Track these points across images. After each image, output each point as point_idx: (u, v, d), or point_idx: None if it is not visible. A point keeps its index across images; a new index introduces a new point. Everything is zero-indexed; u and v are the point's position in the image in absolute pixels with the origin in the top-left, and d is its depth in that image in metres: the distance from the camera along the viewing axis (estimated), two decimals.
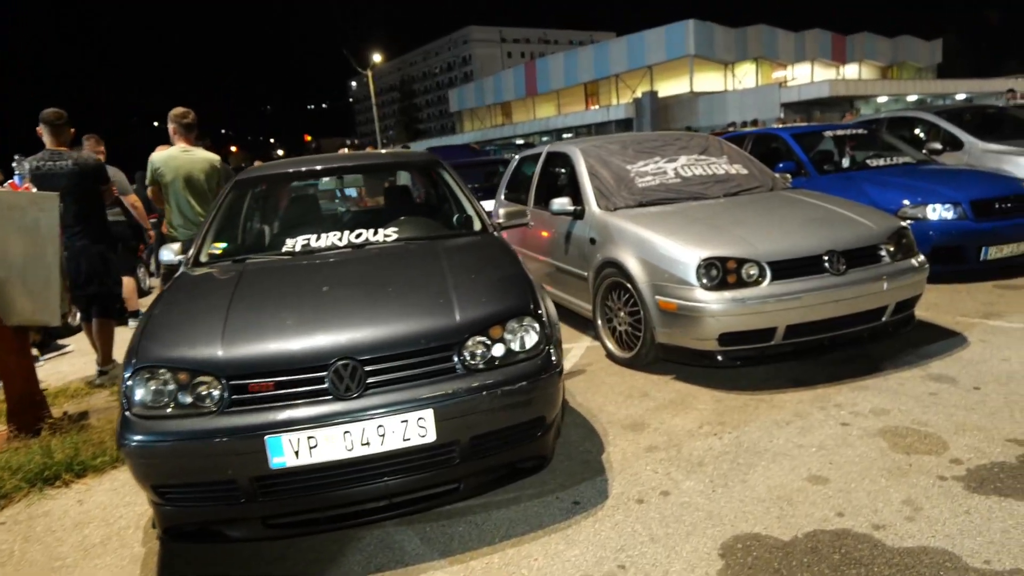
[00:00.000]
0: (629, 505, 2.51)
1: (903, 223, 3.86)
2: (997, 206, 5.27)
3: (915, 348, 3.87)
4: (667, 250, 3.63)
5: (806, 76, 48.17)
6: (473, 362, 2.43)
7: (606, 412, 3.40)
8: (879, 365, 3.66)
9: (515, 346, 2.50)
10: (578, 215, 4.55)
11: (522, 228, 5.59)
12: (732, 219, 3.86)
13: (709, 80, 46.50)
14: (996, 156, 7.26)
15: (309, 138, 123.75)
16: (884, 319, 3.66)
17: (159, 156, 4.70)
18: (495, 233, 3.54)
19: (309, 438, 2.19)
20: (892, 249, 3.68)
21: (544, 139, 52.49)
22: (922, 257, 3.80)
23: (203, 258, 3.35)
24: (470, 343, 2.43)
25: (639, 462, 2.83)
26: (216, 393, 2.25)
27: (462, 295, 2.60)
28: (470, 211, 3.73)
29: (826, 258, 3.49)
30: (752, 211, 4.04)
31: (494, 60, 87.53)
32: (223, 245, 3.46)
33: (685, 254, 3.53)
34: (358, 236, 3.38)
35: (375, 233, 3.41)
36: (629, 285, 3.85)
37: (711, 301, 3.38)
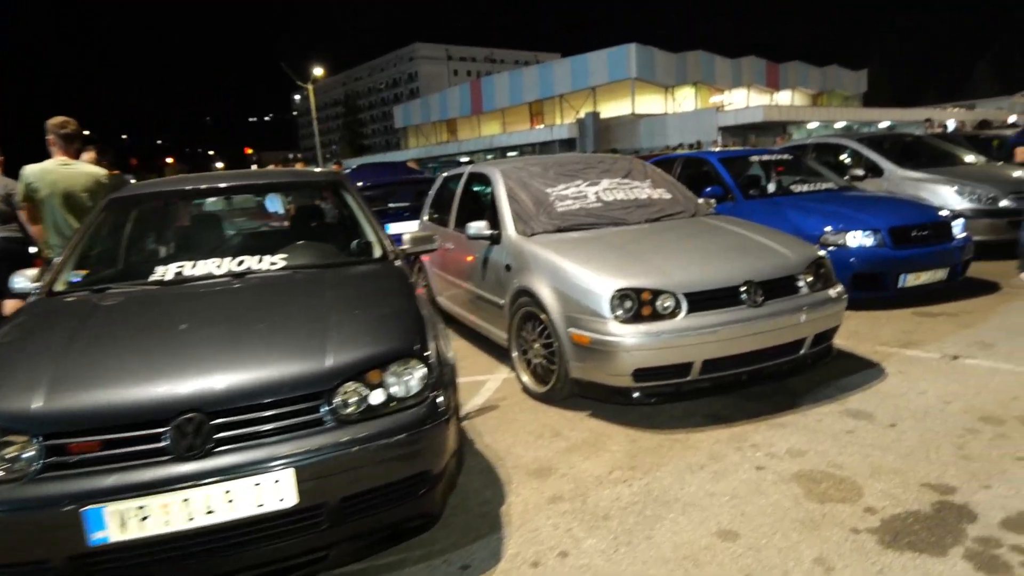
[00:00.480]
0: (523, 570, 2.25)
1: (821, 253, 3.77)
2: (914, 233, 5.31)
3: (835, 380, 3.78)
4: (580, 280, 3.43)
5: (742, 101, 49.86)
6: (346, 412, 2.14)
7: (513, 455, 3.15)
8: (798, 400, 3.54)
9: (397, 391, 2.23)
10: (495, 240, 4.32)
11: (443, 251, 5.34)
12: (650, 247, 3.70)
13: (650, 103, 47.59)
14: (914, 183, 7.43)
15: (250, 151, 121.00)
16: (803, 351, 3.54)
17: (33, 170, 4.24)
18: (396, 261, 3.26)
19: (139, 508, 1.86)
20: (810, 279, 3.58)
21: (489, 157, 52.65)
22: (840, 287, 3.72)
23: (59, 286, 2.96)
24: (343, 390, 2.15)
25: (541, 515, 2.58)
26: (28, 455, 1.89)
27: (339, 334, 2.32)
28: (371, 236, 3.45)
29: (743, 289, 3.35)
30: (671, 238, 3.89)
31: (440, 77, 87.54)
32: (84, 272, 3.07)
33: (598, 284, 3.33)
34: (240, 264, 3.05)
35: (260, 260, 3.09)
36: (543, 316, 3.63)
37: (625, 335, 3.19)
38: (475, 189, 5.21)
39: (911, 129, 19.77)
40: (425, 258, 5.92)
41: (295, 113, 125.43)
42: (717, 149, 11.23)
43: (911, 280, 5.23)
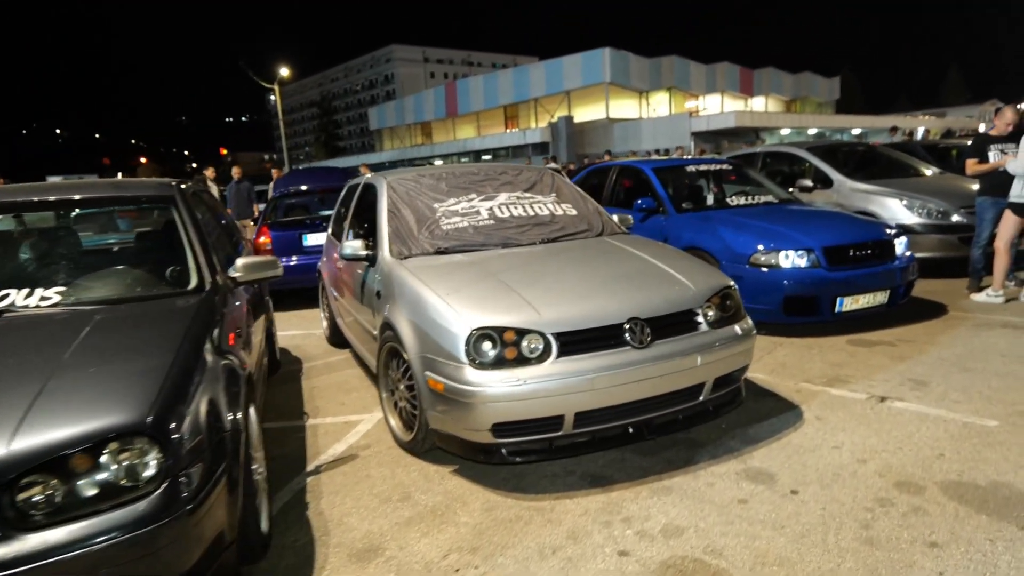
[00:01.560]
0: None
1: (728, 283, 3.28)
2: (852, 253, 4.87)
3: (744, 428, 3.29)
4: (438, 315, 2.90)
5: (717, 107, 49.80)
6: (31, 514, 1.60)
7: (344, 526, 2.62)
8: (696, 454, 3.05)
9: (118, 477, 1.70)
10: (371, 261, 3.79)
11: (336, 270, 4.81)
12: (530, 275, 3.18)
13: (625, 107, 47.34)
14: (864, 196, 7.04)
15: (225, 151, 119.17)
16: (702, 398, 3.05)
17: None
18: (212, 295, 2.72)
19: None
20: (711, 314, 3.09)
21: (464, 160, 52.01)
22: (749, 323, 3.23)
23: None
24: (30, 483, 1.61)
25: None
26: None
27: (46, 405, 1.77)
28: (190, 262, 2.90)
29: (628, 327, 2.85)
30: (559, 265, 3.38)
31: (417, 80, 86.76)
32: None
33: (455, 321, 2.81)
34: (2, 299, 2.49)
35: (29, 294, 2.52)
36: (405, 354, 3.10)
37: (482, 383, 2.66)
38: (367, 202, 4.67)
39: (879, 136, 19.57)
40: (326, 275, 5.37)
41: (268, 113, 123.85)
42: (655, 158, 10.81)
43: (848, 304, 4.79)
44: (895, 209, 6.67)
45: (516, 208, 4.06)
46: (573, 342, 2.78)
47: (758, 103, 53.81)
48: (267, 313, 4.57)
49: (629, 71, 45.96)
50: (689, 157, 17.56)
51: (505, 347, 2.73)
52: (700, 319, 3.06)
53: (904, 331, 4.84)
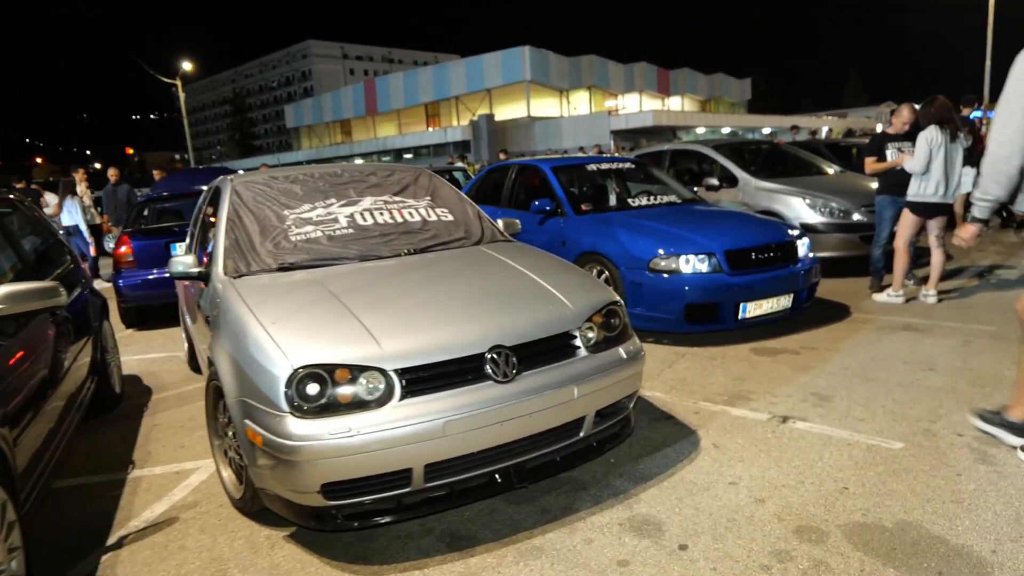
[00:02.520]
0: None
1: (613, 299, 2.87)
2: (755, 256, 4.61)
3: (635, 462, 2.91)
4: (258, 349, 2.36)
5: (636, 106, 50.65)
6: None
7: None
8: (577, 499, 2.63)
9: None
10: (205, 279, 3.19)
11: (185, 284, 4.17)
12: (379, 296, 2.68)
13: (546, 106, 47.43)
14: (768, 194, 6.90)
15: (131, 151, 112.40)
16: (583, 434, 2.64)
17: None
18: None
19: None
20: (592, 336, 2.68)
21: (385, 159, 50.79)
22: (637, 343, 2.84)
23: None
24: None
25: None
26: None
27: None
28: None
29: (490, 357, 2.40)
30: (419, 280, 2.89)
31: (336, 76, 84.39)
32: None
33: (276, 358, 2.27)
34: None
35: None
36: (225, 397, 2.54)
37: (306, 437, 2.15)
38: (214, 209, 4.04)
39: (785, 136, 20.06)
40: (180, 292, 4.69)
41: (179, 111, 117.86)
42: (556, 156, 10.53)
43: (752, 310, 4.52)
44: (798, 208, 6.55)
45: (382, 214, 3.54)
46: (421, 379, 2.30)
47: (675, 103, 55.12)
48: (96, 340, 3.88)
49: (549, 70, 46.05)
50: (608, 156, 17.46)
51: (337, 388, 2.22)
52: (578, 343, 2.64)
53: (808, 337, 4.62)
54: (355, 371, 2.24)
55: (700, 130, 43.09)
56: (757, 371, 3.98)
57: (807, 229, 6.45)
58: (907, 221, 5.43)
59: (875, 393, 3.49)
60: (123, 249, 6.35)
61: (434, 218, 3.63)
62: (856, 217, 6.38)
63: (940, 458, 2.75)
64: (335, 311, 2.52)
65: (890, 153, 5.69)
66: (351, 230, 3.38)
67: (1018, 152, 2.70)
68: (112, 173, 10.61)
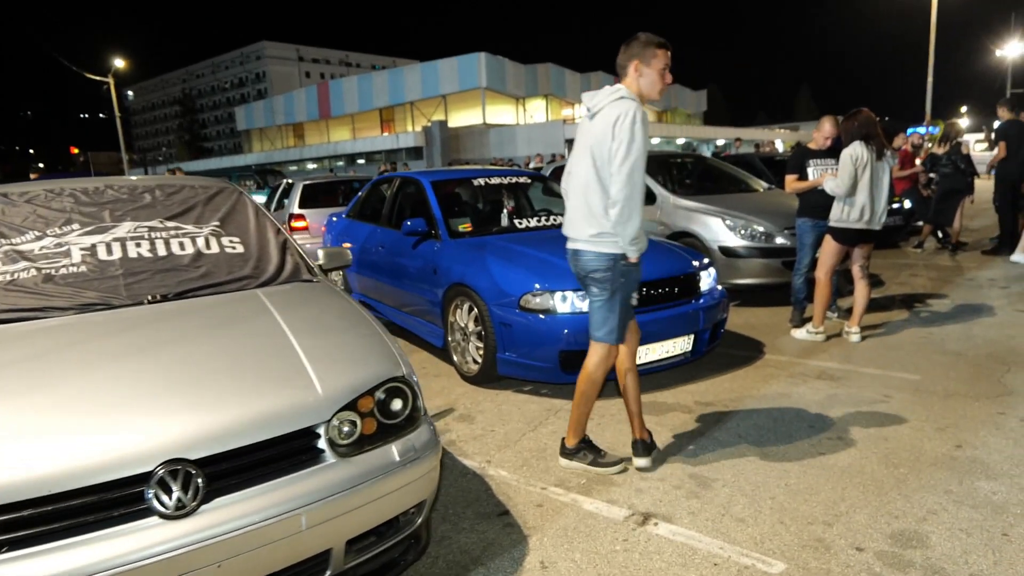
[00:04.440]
0: None
1: (394, 374, 2.08)
2: (646, 291, 3.90)
3: None
4: None
5: None
6: None
7: None
8: None
9: None
10: None
11: None
12: (31, 379, 1.85)
13: (502, 113, 46.84)
14: (686, 213, 6.26)
15: (76, 150, 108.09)
16: (330, 573, 1.86)
17: None
18: None
19: None
20: (349, 431, 1.89)
21: (338, 163, 49.46)
22: (423, 435, 2.06)
23: None
24: None
25: None
26: None
27: None
28: None
29: (161, 475, 1.59)
30: (122, 347, 2.06)
31: (291, 79, 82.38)
32: None
33: None
34: None
35: None
36: None
37: None
38: None
39: (730, 148, 19.78)
40: None
41: (127, 111, 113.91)
42: (446, 168, 9.79)
43: (642, 356, 3.80)
44: (717, 229, 5.92)
45: (139, 245, 2.71)
46: (34, 521, 1.49)
47: None
48: None
49: (505, 77, 45.49)
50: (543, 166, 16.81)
51: None
52: (323, 444, 1.85)
53: (707, 388, 3.93)
54: None
55: (655, 140, 42.95)
56: (625, 433, 3.25)
57: (726, 252, 5.85)
58: (829, 249, 4.81)
59: (767, 477, 2.79)
60: None
61: (214, 250, 2.81)
62: (779, 241, 5.77)
63: None
64: None
65: (812, 171, 5.08)
66: (84, 268, 2.54)
67: None
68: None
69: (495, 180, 5.26)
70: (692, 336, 4.02)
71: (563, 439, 3.03)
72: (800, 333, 4.94)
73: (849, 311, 4.95)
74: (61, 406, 1.70)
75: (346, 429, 1.89)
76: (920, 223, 9.00)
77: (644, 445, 2.97)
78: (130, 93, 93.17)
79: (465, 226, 4.76)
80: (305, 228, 8.22)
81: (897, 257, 8.40)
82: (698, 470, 2.87)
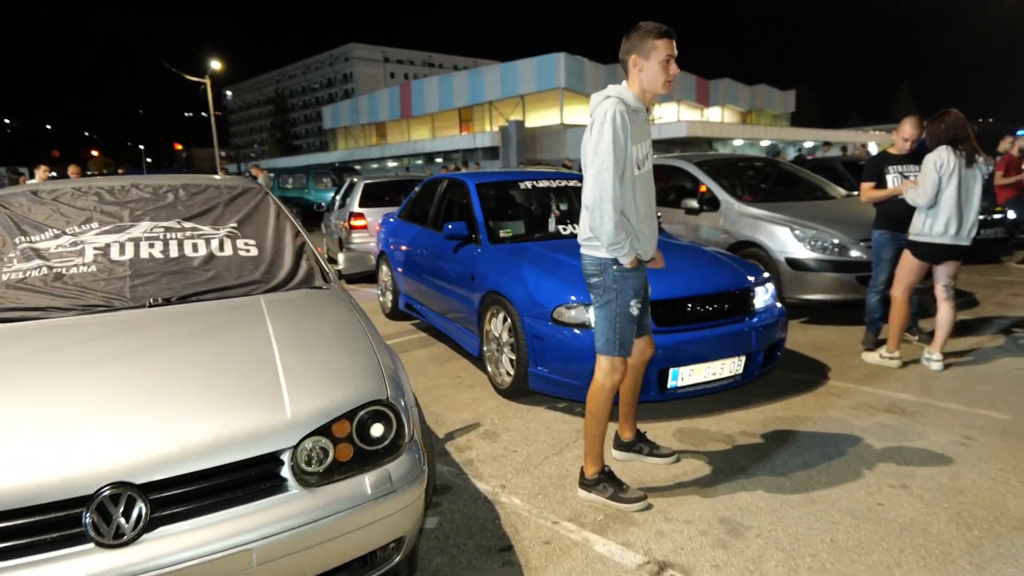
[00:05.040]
0: None
1: (376, 398, 1.90)
2: (691, 308, 3.60)
3: None
4: None
5: (674, 115, 49.19)
6: None
7: None
8: None
9: None
10: None
11: None
12: (10, 383, 1.80)
13: (581, 113, 46.37)
14: (751, 221, 5.84)
15: (180, 147, 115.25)
16: None
17: None
18: None
19: None
20: (319, 457, 1.74)
21: (417, 162, 50.43)
22: (405, 464, 1.87)
23: None
24: None
25: None
26: None
27: None
28: None
29: (101, 501, 1.49)
30: (106, 354, 1.98)
31: (376, 79, 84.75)
32: None
33: None
34: None
35: None
36: None
37: None
38: None
39: (816, 151, 18.67)
40: None
41: (227, 110, 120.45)
42: (498, 171, 9.52)
43: (685, 378, 3.50)
44: (784, 239, 5.48)
45: (153, 246, 2.67)
46: None
47: (714, 113, 53.39)
48: None
49: (584, 77, 45.00)
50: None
51: None
52: (286, 471, 1.71)
53: (756, 415, 3.58)
54: None
55: (738, 142, 41.42)
56: (666, 471, 2.97)
57: (794, 265, 5.41)
58: (908, 265, 4.33)
59: (810, 528, 2.45)
60: None
61: (227, 252, 2.74)
62: (854, 254, 5.27)
63: None
64: None
65: (891, 178, 4.59)
66: (94, 268, 2.52)
67: None
68: (73, 170, 10.10)
69: (544, 183, 5.03)
70: (744, 357, 3.67)
71: (582, 468, 2.80)
72: (872, 357, 4.47)
73: (932, 334, 4.44)
74: (9, 421, 1.62)
75: (316, 456, 1.74)
76: None
77: (619, 442, 3.12)
78: (229, 93, 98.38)
79: (508, 231, 4.57)
80: (364, 227, 8.25)
81: (997, 273, 7.60)
82: (731, 514, 2.57)
